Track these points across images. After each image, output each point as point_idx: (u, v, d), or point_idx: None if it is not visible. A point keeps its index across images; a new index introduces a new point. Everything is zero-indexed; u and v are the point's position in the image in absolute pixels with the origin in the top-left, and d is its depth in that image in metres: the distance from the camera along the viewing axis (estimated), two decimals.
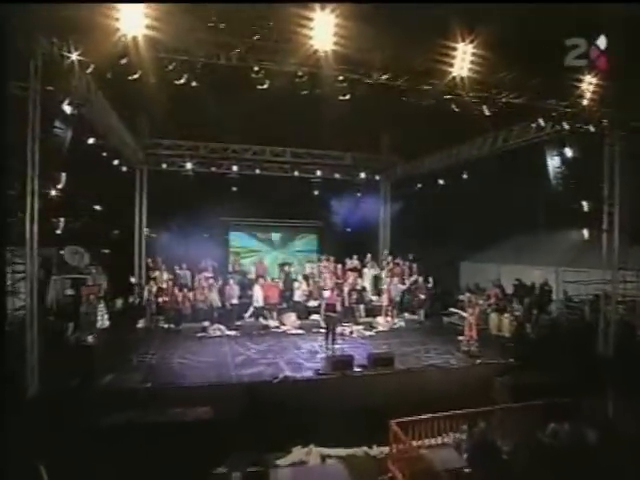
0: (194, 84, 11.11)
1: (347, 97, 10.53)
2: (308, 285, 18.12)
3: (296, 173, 21.43)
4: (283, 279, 18.71)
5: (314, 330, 16.55)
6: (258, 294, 17.28)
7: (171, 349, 14.04)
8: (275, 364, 12.83)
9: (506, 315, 15.99)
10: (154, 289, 16.72)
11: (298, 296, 17.83)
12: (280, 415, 10.47)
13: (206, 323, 16.43)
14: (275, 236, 23.77)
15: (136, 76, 10.30)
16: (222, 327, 16.17)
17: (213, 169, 20.83)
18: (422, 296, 18.44)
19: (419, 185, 21.40)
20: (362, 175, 21.96)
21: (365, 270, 19.60)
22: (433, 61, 10.19)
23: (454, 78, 10.21)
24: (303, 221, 23.64)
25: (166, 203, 21.08)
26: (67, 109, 10.60)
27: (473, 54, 9.94)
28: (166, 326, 16.58)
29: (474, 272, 23.10)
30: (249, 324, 16.70)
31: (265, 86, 10.55)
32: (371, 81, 10.46)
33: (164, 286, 17.22)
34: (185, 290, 17.03)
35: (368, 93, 10.54)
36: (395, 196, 22.86)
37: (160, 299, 16.71)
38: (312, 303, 17.94)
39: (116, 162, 17.80)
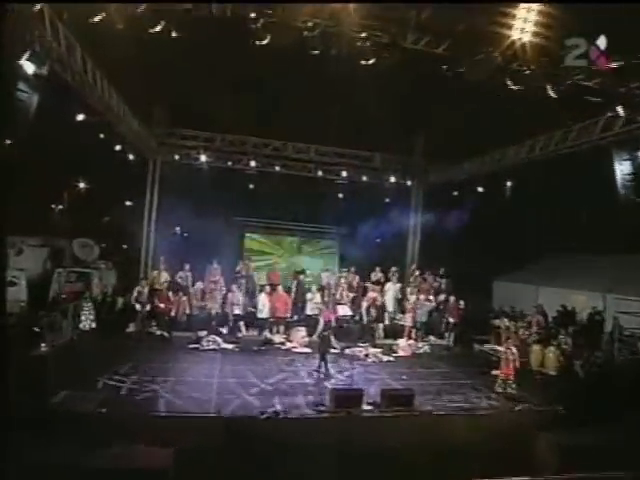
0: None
1: (371, 62, 8.02)
2: (323, 297, 15.63)
3: (320, 173, 19.03)
4: (295, 289, 16.29)
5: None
6: (264, 304, 14.89)
7: (151, 363, 11.73)
8: (268, 392, 10.41)
9: (551, 349, 13.14)
10: (145, 290, 14.50)
11: (310, 309, 15.33)
12: (265, 462, 8.04)
13: (202, 333, 14.11)
14: (292, 241, 21.32)
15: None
16: (218, 339, 13.81)
17: (229, 164, 18.61)
18: (452, 318, 15.73)
19: (455, 192, 18.77)
20: (392, 179, 19.39)
21: (389, 285, 16.99)
22: (487, 22, 7.63)
23: (513, 44, 7.61)
24: (323, 226, 21.14)
25: (177, 197, 18.99)
26: (28, 67, 8.44)
27: (540, 13, 7.33)
28: (158, 332, 14.33)
29: (508, 293, 20.13)
30: (250, 338, 14.31)
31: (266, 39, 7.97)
32: (404, 44, 7.95)
33: (159, 287, 15.02)
34: (181, 294, 14.76)
35: (400, 60, 8.01)
36: (427, 204, 20.14)
37: (154, 302, 14.50)
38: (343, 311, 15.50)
39: (119, 147, 15.81)
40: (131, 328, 14.46)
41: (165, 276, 15.91)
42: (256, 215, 20.36)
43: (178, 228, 20.14)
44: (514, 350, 11.51)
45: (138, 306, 14.42)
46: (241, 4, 7.91)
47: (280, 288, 15.35)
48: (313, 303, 15.26)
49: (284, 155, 18.63)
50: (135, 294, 14.37)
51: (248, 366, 12.15)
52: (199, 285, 15.09)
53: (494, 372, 12.19)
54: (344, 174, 19.02)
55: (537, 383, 12.15)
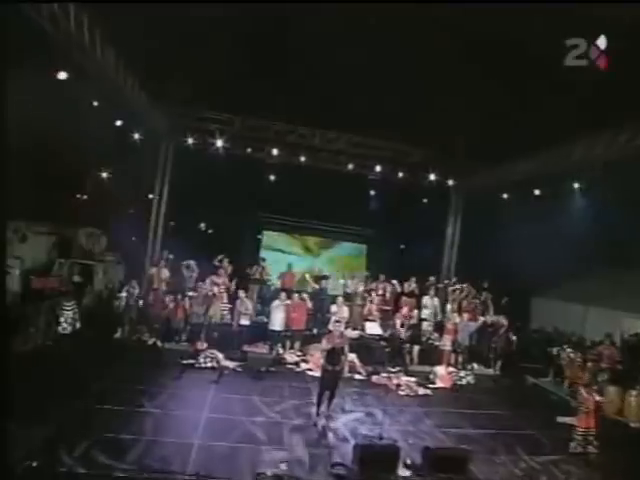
0: None
1: None
2: (351, 310, 12.83)
3: (350, 166, 16.20)
4: (315, 297, 13.51)
5: (345, 375, 11.27)
6: (277, 314, 12.15)
7: (129, 386, 9.01)
8: (271, 438, 7.57)
9: (634, 393, 10.10)
10: (135, 291, 11.91)
11: (333, 324, 12.49)
12: None
13: (202, 345, 11.43)
14: (314, 242, 18.56)
15: None
16: (219, 355, 11.05)
17: (249, 151, 15.90)
18: (501, 343, 12.75)
19: (505, 195, 15.80)
20: (431, 177, 16.46)
21: (426, 299, 14.10)
22: None
23: None
24: (351, 227, 18.31)
25: (189, 187, 16.46)
26: None
27: None
28: (149, 341, 11.71)
29: (550, 312, 17.09)
30: (258, 355, 11.58)
31: None
32: None
33: (156, 287, 12.43)
34: (180, 296, 12.11)
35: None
36: (471, 207, 17.14)
37: (147, 304, 11.93)
38: (351, 333, 12.70)
39: (120, 123, 13.29)
40: (119, 334, 11.91)
41: (166, 274, 13.33)
42: (276, 211, 17.67)
43: (188, 221, 17.56)
44: (597, 397, 8.56)
45: (134, 306, 11.96)
46: None
47: (297, 296, 12.53)
48: (338, 317, 12.43)
49: (311, 144, 15.83)
50: (124, 294, 11.81)
51: (249, 394, 9.37)
52: (203, 287, 12.41)
53: (562, 420, 9.30)
54: (378, 169, 16.17)
55: (618, 438, 9.12)
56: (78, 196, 20.19)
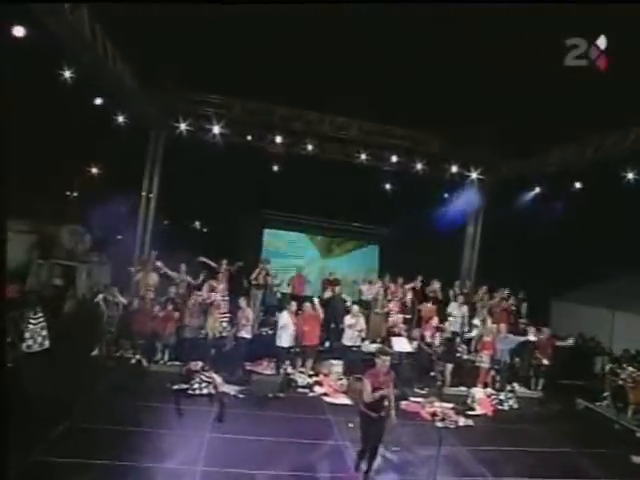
0: None
1: None
2: (367, 320, 10.81)
3: (363, 157, 14.14)
4: (327, 305, 11.46)
5: None
6: (287, 326, 10.09)
7: (101, 427, 6.90)
8: None
9: None
10: (116, 299, 9.84)
11: (349, 338, 10.47)
12: None
13: (196, 365, 9.36)
14: (323, 240, 16.48)
15: None
16: (217, 378, 8.99)
17: (249, 138, 13.79)
18: (545, 360, 10.76)
19: (538, 189, 13.80)
20: (453, 169, 14.45)
21: (452, 306, 12.08)
22: None
23: None
24: (363, 225, 16.26)
25: (182, 180, 14.39)
26: None
27: None
28: (133, 359, 9.63)
29: (572, 317, 14.99)
30: (263, 377, 9.50)
31: None
32: None
33: (142, 295, 10.34)
34: (170, 307, 10.02)
35: None
36: (496, 203, 15.13)
37: (130, 315, 9.84)
38: (369, 347, 10.70)
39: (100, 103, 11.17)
40: (96, 351, 9.81)
41: (154, 279, 11.24)
42: (279, 207, 15.57)
43: (182, 219, 15.49)
44: None
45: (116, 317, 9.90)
46: None
47: (309, 305, 10.46)
48: (354, 330, 10.40)
49: (319, 131, 13.72)
50: (100, 300, 9.72)
51: (256, 434, 7.28)
52: (198, 294, 10.32)
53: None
54: (394, 159, 14.13)
55: None
56: (61, 191, 18.29)
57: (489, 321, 10.99)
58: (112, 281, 12.61)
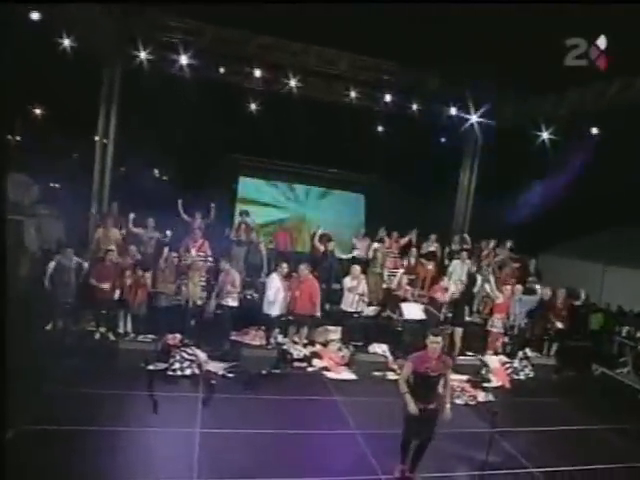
0: None
1: None
2: (375, 284, 9.66)
3: (353, 95, 12.56)
4: (319, 265, 10.20)
5: (374, 374, 8.26)
6: (277, 292, 8.79)
7: (52, 428, 5.48)
8: None
9: None
10: (72, 264, 8.27)
11: (349, 303, 9.29)
12: None
13: (174, 338, 8.03)
14: (305, 191, 15.00)
15: None
16: (200, 354, 7.67)
17: (222, 71, 11.92)
18: (559, 323, 9.92)
19: (547, 134, 12.64)
20: (452, 111, 13.10)
21: (455, 264, 11.02)
22: None
23: None
24: (349, 173, 14.82)
25: (143, 121, 12.54)
26: None
27: None
28: (97, 333, 8.19)
29: (559, 272, 13.61)
30: (253, 352, 8.25)
31: None
32: None
33: (102, 256, 8.78)
34: (140, 270, 8.51)
35: None
36: (494, 149, 13.91)
37: (90, 281, 8.28)
38: (368, 310, 9.60)
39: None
40: (51, 325, 8.26)
41: (116, 235, 9.63)
42: (257, 152, 13.89)
43: (142, 165, 13.66)
44: None
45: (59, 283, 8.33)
46: None
47: (304, 268, 9.12)
48: (355, 294, 9.20)
49: (303, 65, 11.99)
50: (50, 271, 8.12)
51: (255, 424, 6.08)
52: (170, 255, 8.84)
53: None
54: (387, 99, 12.63)
55: None
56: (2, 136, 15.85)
57: (492, 279, 9.99)
58: (65, 239, 11.00)
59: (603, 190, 13.07)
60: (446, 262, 11.68)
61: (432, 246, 11.85)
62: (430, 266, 11.14)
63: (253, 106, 12.55)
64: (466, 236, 13.07)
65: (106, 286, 8.10)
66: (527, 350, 9.64)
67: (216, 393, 6.83)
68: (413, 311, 8.82)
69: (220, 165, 13.89)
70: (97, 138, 11.82)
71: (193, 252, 9.06)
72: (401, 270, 10.13)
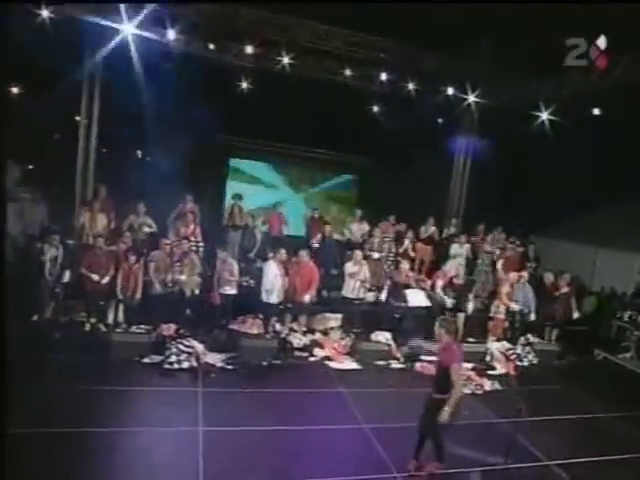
0: None
1: None
2: (373, 269, 9.29)
3: (347, 73, 12.06)
4: (318, 250, 9.83)
5: (378, 363, 7.98)
6: (275, 280, 8.40)
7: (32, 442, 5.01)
8: None
9: None
10: (59, 251, 7.79)
11: (351, 288, 8.93)
12: None
13: (169, 329, 7.63)
14: (297, 173, 14.51)
15: None
16: (197, 345, 7.28)
17: (212, 47, 11.31)
18: (561, 307, 9.72)
19: (546, 115, 12.31)
20: (449, 91, 12.68)
21: (454, 248, 10.73)
22: None
23: None
24: (342, 155, 14.33)
25: (129, 98, 11.86)
26: None
27: None
28: (87, 324, 7.74)
29: (551, 254, 13.66)
30: (253, 342, 7.88)
31: None
32: None
33: (91, 243, 8.30)
34: (132, 257, 8.03)
35: None
36: (490, 131, 13.57)
37: (81, 270, 7.81)
38: (368, 296, 9.26)
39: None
40: (37, 316, 7.77)
41: (103, 221, 9.11)
42: (247, 132, 13.33)
43: (125, 146, 13.07)
44: None
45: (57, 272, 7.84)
46: None
47: (304, 254, 8.73)
48: (356, 280, 8.85)
49: (295, 41, 11.46)
50: (48, 257, 7.62)
51: (260, 420, 5.75)
52: (165, 243, 8.38)
53: None
54: (383, 77, 12.16)
55: None
56: None
57: (500, 264, 9.74)
58: (49, 224, 10.45)
59: (593, 172, 12.97)
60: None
61: (430, 229, 11.55)
62: (428, 250, 10.88)
63: (244, 85, 11.98)
64: (455, 220, 12.86)
65: (97, 275, 7.63)
66: (529, 336, 9.44)
67: (216, 387, 6.48)
68: (417, 298, 8.53)
69: (210, 146, 13.31)
70: (79, 118, 11.21)
71: (187, 238, 8.59)
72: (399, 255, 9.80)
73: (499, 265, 9.92)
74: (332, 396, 6.75)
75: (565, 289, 9.60)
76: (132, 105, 11.75)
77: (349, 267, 8.92)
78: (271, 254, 8.77)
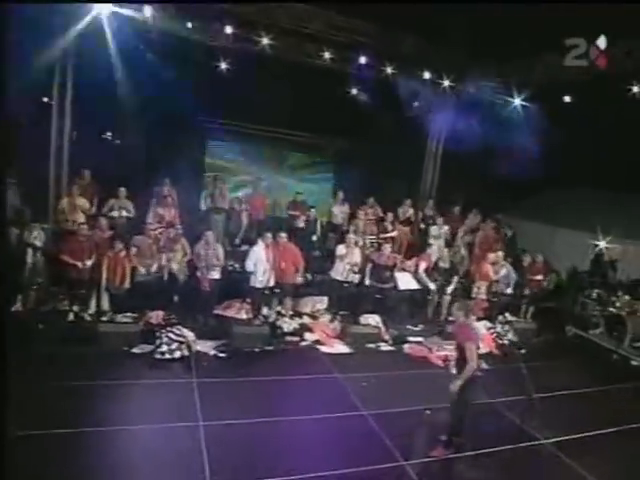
0: None
1: None
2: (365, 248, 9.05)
3: (326, 56, 11.56)
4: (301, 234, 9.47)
5: (368, 346, 7.74)
6: (261, 264, 8.00)
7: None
8: None
9: None
10: (39, 235, 7.18)
11: (340, 271, 8.63)
12: None
13: (156, 314, 7.17)
14: (276, 156, 13.95)
15: None
16: (187, 334, 6.88)
17: (190, 26, 10.57)
18: (534, 287, 9.71)
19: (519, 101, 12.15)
20: (426, 75, 12.34)
21: (434, 229, 10.56)
22: None
23: None
24: (318, 136, 13.83)
25: (105, 79, 11.02)
26: None
27: None
28: (70, 313, 7.19)
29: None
30: (246, 330, 7.49)
31: None
32: None
33: (71, 228, 7.70)
34: (119, 244, 7.47)
35: None
36: (464, 115, 13.32)
37: (62, 257, 7.21)
38: (353, 278, 8.96)
39: None
40: (18, 305, 7.16)
41: (84, 206, 8.48)
42: (226, 115, 12.67)
43: (98, 128, 12.23)
44: None
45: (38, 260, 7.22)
46: None
47: (285, 236, 8.34)
48: (346, 263, 8.53)
49: (275, 23, 10.86)
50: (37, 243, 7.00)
51: (257, 414, 5.44)
52: (149, 229, 7.84)
53: None
54: (362, 61, 11.71)
55: None
56: None
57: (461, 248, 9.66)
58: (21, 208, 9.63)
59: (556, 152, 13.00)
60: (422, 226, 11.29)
61: (408, 212, 11.33)
62: (406, 232, 10.68)
63: (224, 66, 11.32)
64: (430, 201, 12.69)
65: (80, 263, 7.06)
66: (507, 314, 9.41)
67: (212, 377, 6.11)
68: (407, 281, 8.33)
69: (186, 128, 12.62)
70: (48, 100, 10.37)
71: (172, 223, 8.07)
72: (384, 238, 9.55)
73: (476, 246, 9.80)
74: (329, 383, 6.49)
75: (539, 276, 9.63)
76: (106, 86, 10.95)
77: (340, 249, 8.69)
78: (259, 238, 8.34)
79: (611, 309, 9.19)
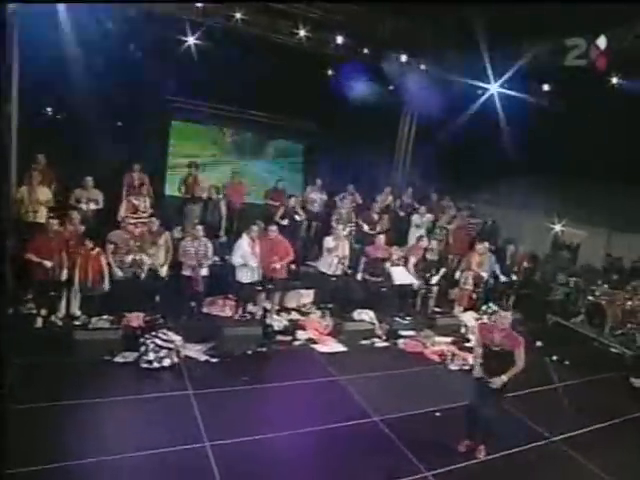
0: None
1: None
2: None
3: (302, 33, 10.79)
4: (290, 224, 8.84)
5: (362, 343, 7.33)
6: (247, 257, 7.35)
7: None
8: None
9: None
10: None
11: (328, 264, 8.09)
12: None
13: (137, 316, 6.41)
14: (246, 139, 13.11)
15: None
16: (176, 338, 6.19)
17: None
18: (515, 276, 9.59)
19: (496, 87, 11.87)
20: (402, 58, 11.84)
21: (415, 218, 10.21)
22: None
23: None
24: (288, 118, 13.04)
25: (60, 54, 9.80)
26: None
27: None
28: (38, 318, 6.30)
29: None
30: (238, 331, 6.85)
31: None
32: None
33: (34, 220, 6.76)
34: (89, 243, 6.59)
35: None
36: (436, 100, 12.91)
37: (28, 255, 6.27)
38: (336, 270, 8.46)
39: None
40: None
41: (46, 195, 7.47)
42: (193, 94, 11.66)
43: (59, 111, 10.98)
44: None
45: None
46: None
47: (275, 229, 7.71)
48: (334, 256, 8.01)
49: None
50: None
51: (262, 430, 4.89)
52: (127, 222, 6.99)
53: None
54: (339, 41, 11.03)
55: None
56: None
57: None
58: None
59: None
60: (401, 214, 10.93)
61: (388, 199, 10.93)
62: (385, 220, 10.27)
63: (192, 42, 10.33)
64: (410, 189, 12.33)
65: (49, 261, 6.15)
66: (491, 304, 9.23)
67: (209, 388, 5.48)
68: (402, 275, 7.92)
69: (152, 108, 11.54)
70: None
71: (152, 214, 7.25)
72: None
73: (450, 235, 9.59)
74: (330, 386, 6.02)
75: (525, 264, 9.51)
76: (66, 66, 9.76)
77: (328, 242, 8.12)
78: (244, 233, 7.64)
79: (590, 298, 9.23)
